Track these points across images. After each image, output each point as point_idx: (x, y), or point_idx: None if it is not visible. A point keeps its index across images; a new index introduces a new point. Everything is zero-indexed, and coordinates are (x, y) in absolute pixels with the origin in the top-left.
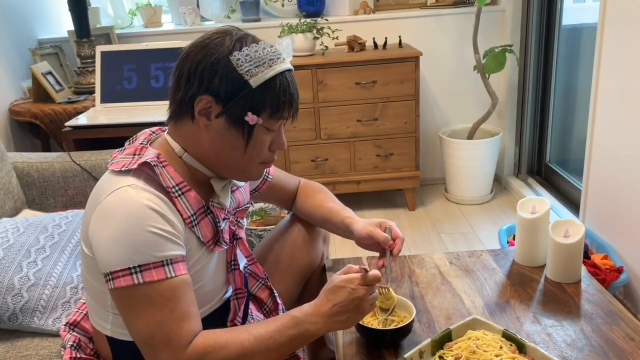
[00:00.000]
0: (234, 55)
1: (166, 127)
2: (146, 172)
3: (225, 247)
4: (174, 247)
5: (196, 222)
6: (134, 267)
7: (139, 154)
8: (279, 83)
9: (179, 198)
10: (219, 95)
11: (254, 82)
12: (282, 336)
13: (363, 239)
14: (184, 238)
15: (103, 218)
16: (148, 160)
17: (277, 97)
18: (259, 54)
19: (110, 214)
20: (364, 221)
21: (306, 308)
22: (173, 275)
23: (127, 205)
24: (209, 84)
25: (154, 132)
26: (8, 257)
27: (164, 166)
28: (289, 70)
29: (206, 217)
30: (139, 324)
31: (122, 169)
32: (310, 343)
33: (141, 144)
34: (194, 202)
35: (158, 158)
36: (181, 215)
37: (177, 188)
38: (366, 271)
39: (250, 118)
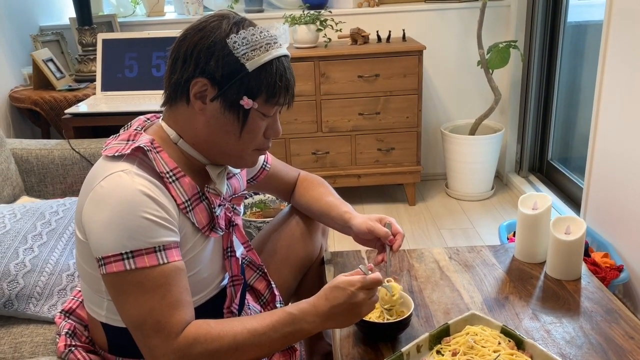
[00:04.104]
0: (231, 38)
1: (161, 115)
2: (140, 157)
3: (221, 234)
4: (168, 233)
5: (190, 207)
6: (126, 253)
7: (132, 140)
8: (275, 68)
9: (173, 184)
10: (214, 78)
11: (250, 65)
12: (277, 332)
13: (362, 234)
14: (178, 224)
15: (96, 203)
16: (142, 145)
17: (273, 82)
18: (256, 37)
19: (103, 199)
20: (363, 216)
21: (303, 305)
22: (166, 261)
23: (120, 190)
24: (205, 66)
25: (148, 119)
26: (4, 243)
27: (158, 152)
28: (286, 56)
29: (201, 203)
30: (130, 310)
31: (116, 154)
32: None
33: (135, 130)
34: (188, 188)
35: (152, 144)
36: (175, 200)
37: (171, 174)
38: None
39: (246, 102)
